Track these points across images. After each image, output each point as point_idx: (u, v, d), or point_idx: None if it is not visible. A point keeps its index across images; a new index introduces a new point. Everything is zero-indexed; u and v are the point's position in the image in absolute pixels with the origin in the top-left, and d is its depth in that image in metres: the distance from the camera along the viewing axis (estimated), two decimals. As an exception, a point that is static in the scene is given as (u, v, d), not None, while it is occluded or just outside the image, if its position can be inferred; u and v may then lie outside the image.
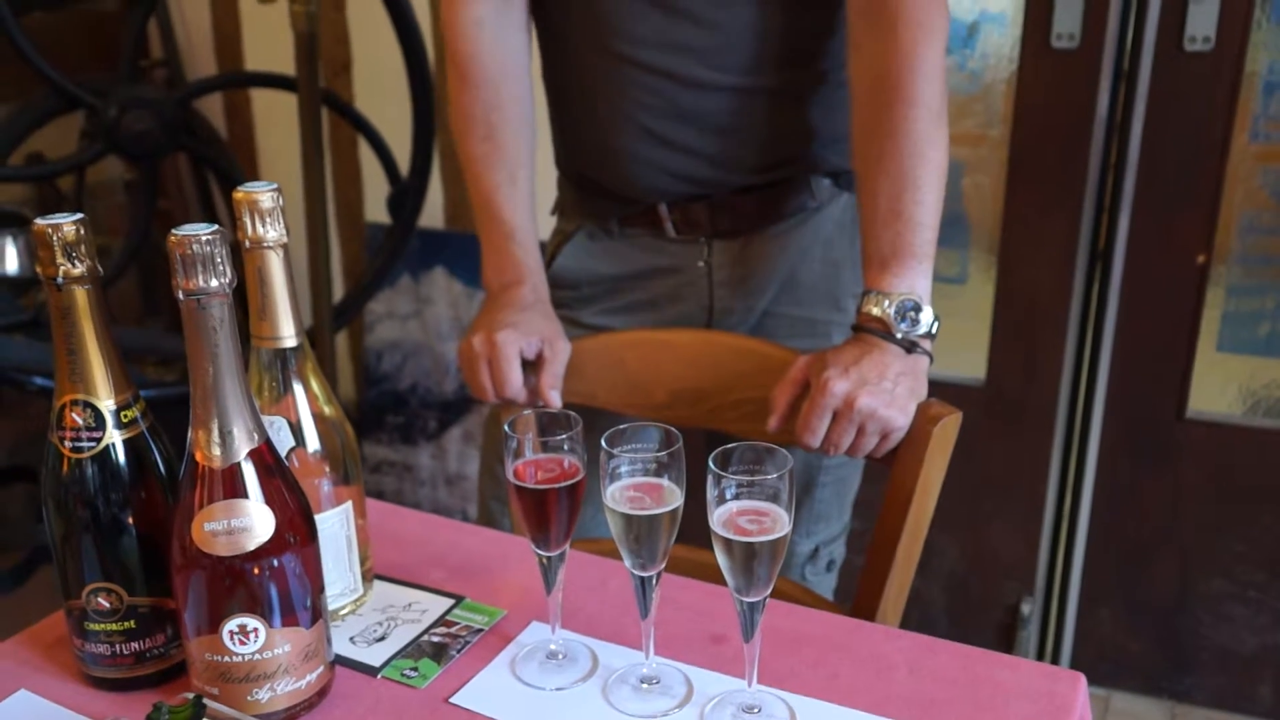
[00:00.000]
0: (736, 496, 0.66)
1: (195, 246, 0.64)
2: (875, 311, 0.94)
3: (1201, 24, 1.58)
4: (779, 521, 0.66)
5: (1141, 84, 1.63)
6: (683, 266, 1.18)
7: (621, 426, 0.70)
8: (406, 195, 2.05)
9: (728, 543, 0.66)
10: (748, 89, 1.08)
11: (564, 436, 0.72)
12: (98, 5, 2.34)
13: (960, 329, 1.85)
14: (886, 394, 0.91)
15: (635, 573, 0.71)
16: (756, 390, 1.06)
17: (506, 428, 0.72)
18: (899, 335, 0.93)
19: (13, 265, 2.22)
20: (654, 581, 0.71)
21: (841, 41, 1.05)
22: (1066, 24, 1.65)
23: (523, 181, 1.12)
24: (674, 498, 0.69)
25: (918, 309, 0.93)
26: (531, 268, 1.11)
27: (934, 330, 0.95)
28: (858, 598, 0.99)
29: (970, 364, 1.87)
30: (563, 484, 0.71)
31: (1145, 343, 1.74)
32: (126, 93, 1.86)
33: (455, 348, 2.24)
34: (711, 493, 0.66)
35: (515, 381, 1.04)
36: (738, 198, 1.14)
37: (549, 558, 0.74)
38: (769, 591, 0.68)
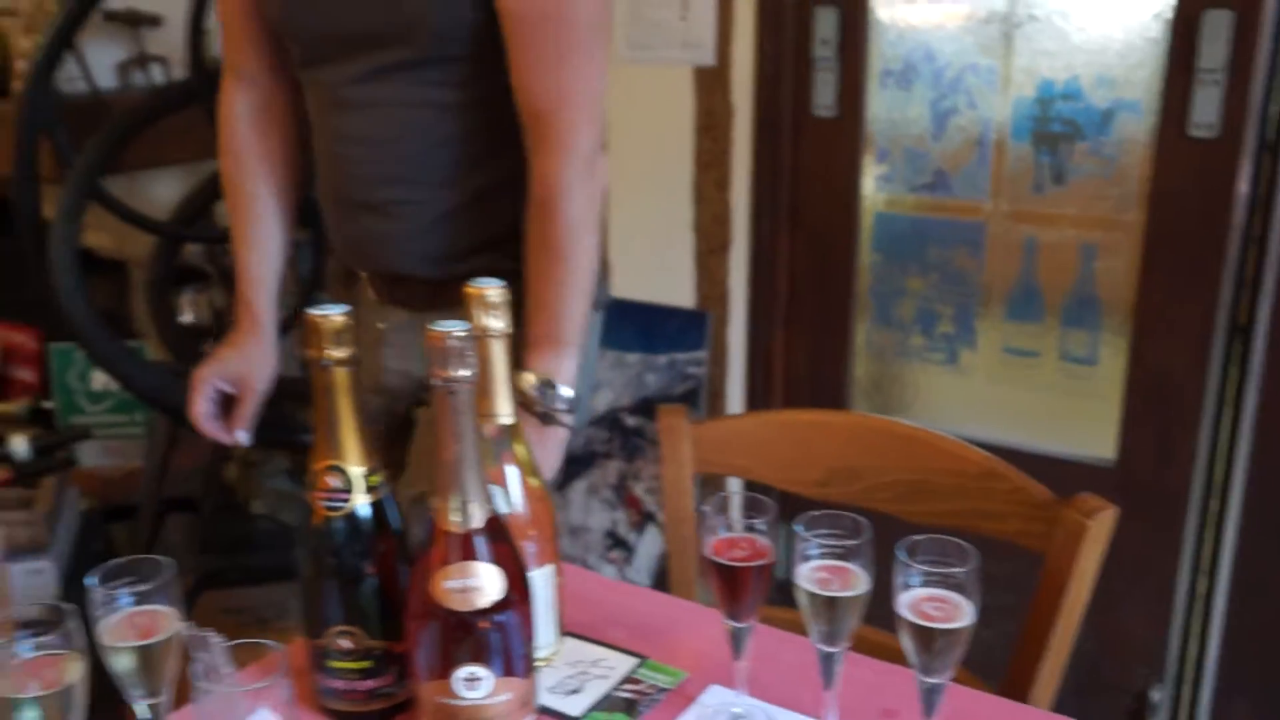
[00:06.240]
0: (924, 584, 0.72)
1: (451, 341, 0.75)
2: (521, 387, 1.06)
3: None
4: (962, 610, 0.72)
5: (1286, 171, 1.63)
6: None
7: (816, 513, 0.77)
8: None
9: (914, 627, 0.72)
10: (437, 186, 1.15)
11: (760, 520, 0.79)
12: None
13: (1090, 409, 1.86)
14: None
15: (821, 647, 0.78)
16: (907, 474, 1.12)
17: (706, 507, 0.80)
18: (539, 409, 1.06)
19: (188, 315, 2.44)
20: (838, 657, 0.78)
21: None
22: (1205, 115, 1.68)
23: (262, 239, 1.26)
24: (860, 583, 0.76)
25: (553, 385, 1.07)
26: (250, 301, 1.25)
27: (571, 406, 1.08)
28: (1008, 679, 1.03)
29: (1100, 444, 1.87)
30: (756, 563, 0.79)
31: (1287, 425, 1.72)
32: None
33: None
34: (899, 580, 0.73)
35: (204, 416, 1.22)
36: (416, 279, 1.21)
37: (739, 628, 0.81)
38: (951, 675, 0.73)
